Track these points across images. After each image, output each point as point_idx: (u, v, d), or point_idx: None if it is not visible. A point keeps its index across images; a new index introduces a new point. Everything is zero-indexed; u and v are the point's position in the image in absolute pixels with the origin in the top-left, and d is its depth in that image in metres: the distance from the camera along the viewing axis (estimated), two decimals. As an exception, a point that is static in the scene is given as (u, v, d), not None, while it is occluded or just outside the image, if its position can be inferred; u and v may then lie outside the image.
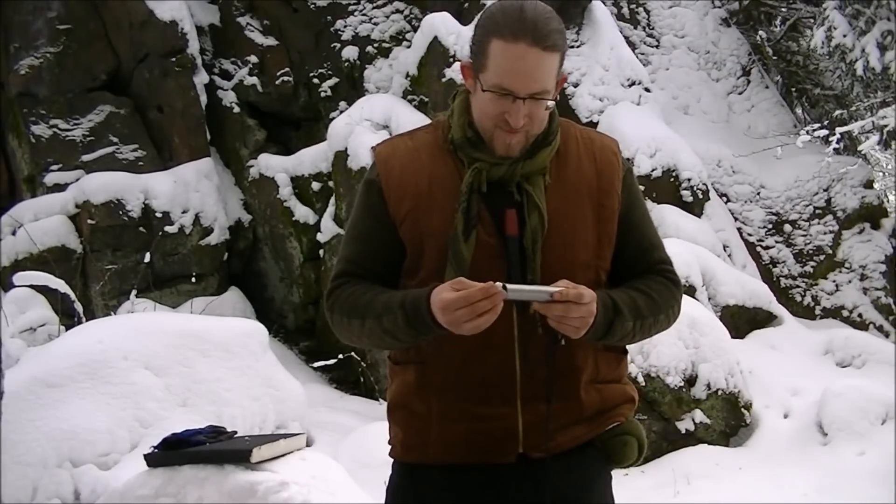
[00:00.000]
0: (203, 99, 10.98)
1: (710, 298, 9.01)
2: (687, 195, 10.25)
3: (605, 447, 2.51)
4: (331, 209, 10.31)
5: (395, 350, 2.53)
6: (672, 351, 7.47)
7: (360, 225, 2.53)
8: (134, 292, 8.79)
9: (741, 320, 9.28)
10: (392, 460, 2.60)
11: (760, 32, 13.28)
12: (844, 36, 11.65)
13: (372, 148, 2.60)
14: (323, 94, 11.26)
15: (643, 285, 2.48)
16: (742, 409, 7.71)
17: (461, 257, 2.37)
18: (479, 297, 2.21)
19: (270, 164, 10.87)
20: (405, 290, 2.46)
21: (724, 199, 11.33)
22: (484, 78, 2.36)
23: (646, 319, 2.45)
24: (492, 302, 2.21)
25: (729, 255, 10.31)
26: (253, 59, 11.36)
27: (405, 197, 2.46)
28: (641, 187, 10.32)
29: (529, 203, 2.40)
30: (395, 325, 2.37)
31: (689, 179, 10.27)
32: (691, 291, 8.59)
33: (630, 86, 10.88)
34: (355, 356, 8.87)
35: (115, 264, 10.03)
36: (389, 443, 2.59)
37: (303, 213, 10.64)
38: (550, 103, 2.39)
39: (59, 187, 10.41)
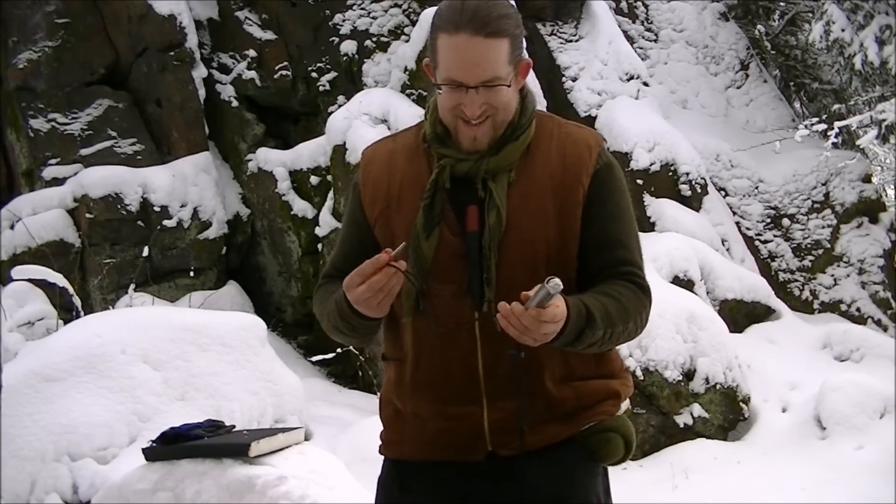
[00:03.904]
0: (201, 93, 10.96)
1: (708, 292, 9.01)
2: (685, 189, 10.25)
3: (587, 444, 2.48)
4: (329, 203, 10.30)
5: (360, 342, 2.58)
6: (670, 345, 7.48)
7: (344, 228, 2.61)
8: (132, 286, 8.79)
9: (739, 314, 9.28)
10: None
11: (759, 27, 13.26)
12: (843, 30, 11.64)
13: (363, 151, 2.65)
14: (321, 89, 11.24)
15: (613, 290, 2.41)
16: (740, 404, 7.73)
17: (421, 255, 2.39)
18: (370, 270, 2.24)
19: (269, 159, 10.85)
20: None
21: (723, 193, 11.33)
22: (438, 74, 2.39)
23: (616, 328, 2.38)
24: (385, 275, 2.24)
25: (727, 250, 10.32)
26: (251, 53, 11.34)
27: (378, 199, 2.50)
28: (640, 181, 10.34)
29: (490, 201, 2.39)
30: (337, 318, 2.43)
31: (687, 173, 10.27)
32: (690, 285, 8.59)
33: (628, 80, 10.88)
34: (354, 350, 8.87)
35: (114, 258, 10.01)
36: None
37: (301, 207, 10.63)
38: (507, 89, 2.37)
39: (58, 181, 10.39)
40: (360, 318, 2.37)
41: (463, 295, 2.37)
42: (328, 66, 11.26)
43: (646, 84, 11.03)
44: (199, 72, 11.00)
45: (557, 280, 2.15)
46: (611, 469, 2.61)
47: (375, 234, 2.49)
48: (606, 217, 2.46)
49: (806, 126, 11.35)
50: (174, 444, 3.73)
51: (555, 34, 11.02)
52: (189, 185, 10.52)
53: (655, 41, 12.43)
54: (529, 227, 2.40)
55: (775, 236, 11.43)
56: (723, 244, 10.26)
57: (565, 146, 2.48)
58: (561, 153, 2.46)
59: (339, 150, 9.90)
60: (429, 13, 10.25)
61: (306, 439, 4.07)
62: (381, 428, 2.62)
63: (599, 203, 2.45)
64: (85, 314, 7.40)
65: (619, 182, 2.52)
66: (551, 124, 2.52)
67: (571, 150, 2.47)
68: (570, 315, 2.26)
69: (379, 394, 2.68)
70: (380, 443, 2.61)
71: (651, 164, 10.10)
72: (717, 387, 7.58)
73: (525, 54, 2.45)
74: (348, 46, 11.17)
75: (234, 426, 4.04)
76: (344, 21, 11.24)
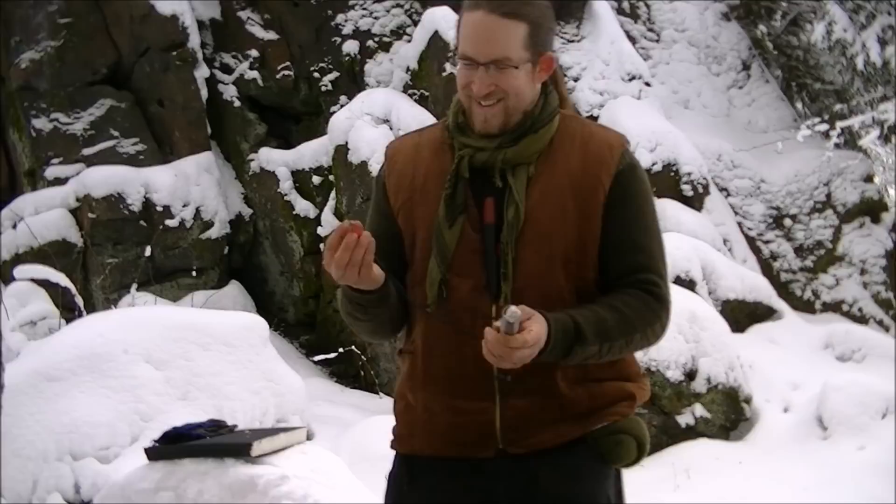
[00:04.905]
0: (204, 93, 10.97)
1: (710, 293, 9.01)
2: (687, 189, 10.24)
3: (599, 445, 2.47)
4: (331, 203, 10.30)
5: (378, 327, 2.53)
6: (672, 345, 7.47)
7: (369, 222, 2.56)
8: (134, 286, 8.79)
9: (741, 314, 9.28)
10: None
11: (761, 27, 13.26)
12: (845, 30, 11.64)
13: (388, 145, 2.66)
14: (323, 89, 11.25)
15: (619, 301, 2.39)
16: (742, 404, 7.72)
17: (444, 244, 2.39)
18: (335, 242, 2.24)
19: (271, 158, 10.86)
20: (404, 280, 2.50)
21: (725, 193, 11.33)
22: (458, 52, 2.42)
23: (615, 342, 2.37)
24: (346, 250, 2.22)
25: (729, 250, 10.31)
26: (254, 53, 11.35)
27: (402, 190, 2.50)
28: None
29: (509, 196, 2.39)
30: (347, 304, 2.44)
31: (689, 174, 10.27)
32: (691, 286, 8.58)
33: (630, 80, 10.87)
34: (356, 350, 8.87)
35: (116, 258, 10.03)
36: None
37: (303, 206, 10.64)
38: (519, 74, 2.37)
39: (60, 181, 10.40)
40: (360, 293, 2.37)
41: (480, 290, 2.37)
42: (330, 66, 11.27)
43: (648, 84, 11.03)
44: (202, 72, 11.00)
45: (514, 308, 2.15)
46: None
47: (399, 224, 2.49)
48: (628, 220, 2.43)
49: (808, 126, 11.34)
50: (176, 444, 3.74)
51: (557, 34, 11.02)
52: (191, 185, 10.53)
53: (657, 41, 12.43)
54: (547, 224, 2.39)
55: (777, 236, 11.43)
56: (724, 244, 10.26)
57: (587, 146, 2.46)
58: (582, 153, 2.45)
59: (342, 150, 9.90)
60: (431, 13, 10.26)
61: (308, 439, 4.07)
62: (393, 423, 2.61)
63: (621, 205, 2.42)
64: (87, 314, 7.41)
65: (643, 184, 2.49)
66: (575, 125, 2.52)
67: (593, 150, 2.45)
68: (554, 333, 2.25)
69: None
70: (391, 437, 2.61)
71: (653, 165, 10.09)
72: (719, 387, 7.58)
73: (550, 49, 2.46)
74: (350, 46, 11.18)
75: (236, 426, 4.04)
76: (346, 21, 11.25)
